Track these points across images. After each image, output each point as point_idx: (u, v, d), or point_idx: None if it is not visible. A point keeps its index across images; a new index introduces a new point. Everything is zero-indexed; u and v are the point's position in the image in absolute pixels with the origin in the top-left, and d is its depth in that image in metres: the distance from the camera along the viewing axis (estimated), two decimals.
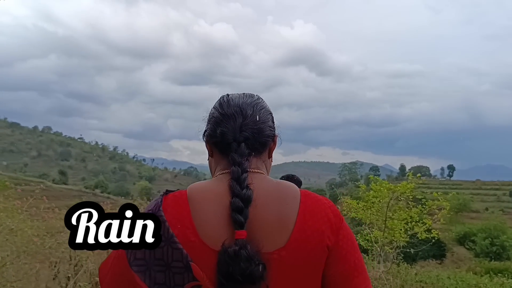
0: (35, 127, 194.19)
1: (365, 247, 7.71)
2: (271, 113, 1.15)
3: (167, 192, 1.02)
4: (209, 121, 1.14)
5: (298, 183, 3.53)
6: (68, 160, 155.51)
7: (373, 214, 7.63)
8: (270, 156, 1.15)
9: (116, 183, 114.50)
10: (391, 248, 7.63)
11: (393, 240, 7.53)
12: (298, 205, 0.99)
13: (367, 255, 8.07)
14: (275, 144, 1.15)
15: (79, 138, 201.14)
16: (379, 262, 7.68)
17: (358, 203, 7.88)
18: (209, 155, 1.15)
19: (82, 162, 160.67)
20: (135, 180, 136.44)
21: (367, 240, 7.69)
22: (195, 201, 0.98)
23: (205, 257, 0.92)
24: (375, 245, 7.54)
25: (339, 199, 9.24)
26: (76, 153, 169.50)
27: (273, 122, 1.15)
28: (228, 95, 1.16)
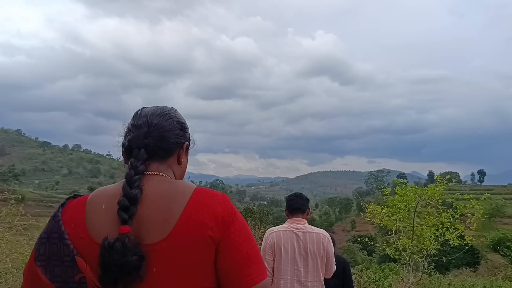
0: (65, 146, 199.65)
1: (392, 256, 7.17)
2: (181, 123, 1.28)
3: (75, 196, 1.18)
4: (125, 132, 1.25)
5: (306, 201, 3.30)
6: (98, 177, 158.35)
7: (399, 220, 7.07)
8: (179, 162, 1.27)
9: None
10: (421, 257, 7.10)
11: (423, 248, 6.99)
12: (186, 201, 1.07)
13: (396, 264, 7.57)
14: (184, 151, 1.28)
15: (107, 155, 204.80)
16: (408, 272, 7.18)
17: (382, 209, 7.35)
18: (125, 163, 1.23)
19: (111, 178, 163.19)
20: None
21: (395, 248, 7.14)
22: (92, 203, 1.11)
23: (92, 252, 1.02)
24: (403, 253, 7.00)
25: (364, 206, 8.78)
26: (105, 169, 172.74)
27: (184, 131, 1.28)
28: (142, 108, 1.29)
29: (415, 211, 6.90)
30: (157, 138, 1.19)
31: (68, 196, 1.20)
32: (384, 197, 9.22)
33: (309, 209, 3.31)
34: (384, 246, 7.62)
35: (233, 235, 1.08)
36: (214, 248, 1.06)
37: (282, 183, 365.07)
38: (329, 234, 3.27)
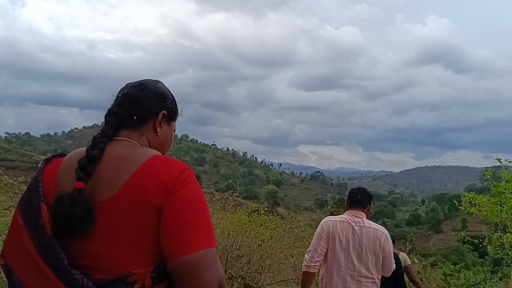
0: (175, 136, 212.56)
1: (492, 256, 5.95)
2: (157, 93, 1.35)
3: (62, 155, 1.30)
4: None
5: (369, 196, 3.28)
6: (203, 165, 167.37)
7: (506, 212, 5.85)
8: (155, 131, 1.32)
9: (245, 186, 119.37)
10: None
11: None
12: (138, 166, 1.13)
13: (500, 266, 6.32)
14: (160, 119, 1.33)
15: (212, 145, 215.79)
16: None
17: (485, 199, 6.07)
18: None
19: (215, 167, 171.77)
20: (263, 184, 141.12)
21: (498, 246, 5.91)
22: (66, 160, 1.24)
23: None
24: (509, 252, 5.75)
25: (462, 195, 7.52)
26: (210, 158, 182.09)
27: (161, 101, 1.35)
28: (127, 83, 1.38)
29: None
30: (127, 106, 1.28)
31: (54, 154, 1.32)
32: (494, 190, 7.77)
33: (370, 205, 3.26)
34: (485, 243, 6.44)
35: (174, 203, 1.09)
36: (156, 213, 1.09)
37: (386, 177, 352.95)
38: (388, 232, 3.22)
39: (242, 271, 4.85)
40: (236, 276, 4.73)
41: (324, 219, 3.23)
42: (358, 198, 3.23)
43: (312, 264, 3.06)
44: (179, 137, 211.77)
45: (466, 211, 6.18)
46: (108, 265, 1.08)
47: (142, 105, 1.29)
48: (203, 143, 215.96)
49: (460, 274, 8.92)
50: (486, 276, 8.91)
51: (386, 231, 3.11)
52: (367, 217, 3.19)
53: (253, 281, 4.93)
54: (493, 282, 9.01)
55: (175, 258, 1.06)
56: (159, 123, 1.32)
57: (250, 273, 4.92)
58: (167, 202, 1.08)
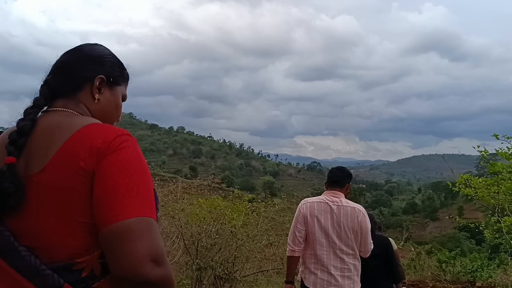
0: (171, 128, 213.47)
1: (490, 241, 5.57)
2: (93, 57, 1.21)
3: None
4: None
5: (348, 175, 3.19)
6: (200, 158, 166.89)
7: (502, 193, 5.34)
8: (93, 98, 1.19)
9: (242, 178, 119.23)
10: None
11: None
12: (71, 134, 1.02)
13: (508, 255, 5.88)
14: (97, 85, 1.19)
15: (209, 137, 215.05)
16: None
17: (478, 179, 5.64)
18: None
19: (212, 159, 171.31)
20: (260, 175, 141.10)
21: (496, 230, 5.52)
22: (2, 136, 1.15)
23: None
24: (507, 237, 5.35)
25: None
26: (206, 150, 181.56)
27: (98, 65, 1.20)
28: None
29: None
30: (59, 73, 1.18)
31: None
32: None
33: (349, 184, 3.25)
34: (482, 228, 6.07)
35: (105, 167, 0.97)
36: (88, 181, 0.98)
37: (383, 167, 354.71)
38: (369, 213, 3.25)
39: (212, 261, 4.45)
40: (205, 267, 4.35)
41: (302, 202, 3.22)
42: (336, 177, 3.22)
43: (296, 248, 3.10)
44: (175, 130, 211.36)
45: (460, 192, 5.79)
46: (49, 244, 0.97)
47: (74, 71, 1.18)
48: (200, 135, 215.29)
49: (456, 261, 8.65)
50: (483, 263, 8.62)
51: (364, 209, 3.13)
52: (346, 197, 3.18)
53: (224, 272, 4.52)
54: (490, 269, 8.74)
55: (102, 227, 0.92)
56: (97, 88, 1.19)
57: (221, 263, 4.52)
58: (99, 167, 0.97)
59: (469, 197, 5.91)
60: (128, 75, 1.32)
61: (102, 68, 1.21)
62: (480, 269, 8.08)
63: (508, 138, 5.24)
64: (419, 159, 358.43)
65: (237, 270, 4.90)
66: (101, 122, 1.08)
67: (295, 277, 3.22)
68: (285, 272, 3.36)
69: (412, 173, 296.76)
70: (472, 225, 7.04)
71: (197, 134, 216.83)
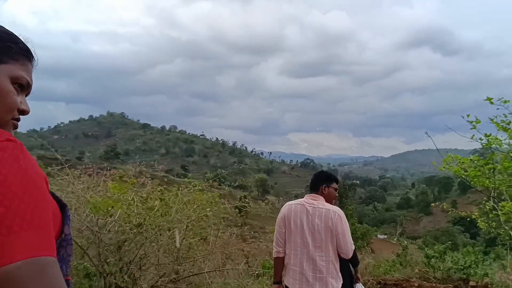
0: (163, 127, 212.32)
1: (485, 233, 4.66)
2: None
3: None
4: None
5: (325, 179, 3.37)
6: (192, 156, 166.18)
7: (498, 172, 4.48)
8: None
9: (235, 176, 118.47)
10: None
11: None
12: None
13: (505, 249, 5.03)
14: None
15: (201, 135, 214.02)
16: None
17: (471, 160, 4.67)
18: None
19: (205, 157, 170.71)
20: (254, 173, 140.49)
21: (491, 218, 4.57)
22: None
23: None
24: (506, 227, 4.39)
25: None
26: (199, 149, 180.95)
27: None
28: None
29: None
30: None
31: None
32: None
33: (328, 187, 3.31)
34: (474, 216, 5.13)
35: None
36: None
37: (377, 162, 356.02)
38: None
39: (109, 265, 3.36)
40: (95, 274, 3.28)
41: (285, 204, 3.36)
42: (311, 182, 3.38)
43: (280, 249, 3.24)
44: (167, 129, 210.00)
45: (446, 170, 4.84)
46: None
47: None
48: (192, 134, 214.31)
49: (446, 256, 7.71)
50: (477, 258, 7.69)
51: (341, 211, 3.18)
52: (327, 200, 3.25)
53: (125, 281, 3.38)
54: (486, 265, 7.84)
55: None
56: None
57: (121, 267, 3.44)
58: None
59: (459, 178, 4.95)
60: (25, 50, 0.90)
61: None
62: (475, 265, 7.18)
63: (505, 102, 4.28)
64: (413, 154, 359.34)
65: (148, 277, 3.79)
66: None
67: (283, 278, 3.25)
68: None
69: (406, 168, 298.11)
70: (463, 213, 6.12)
71: (189, 133, 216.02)
